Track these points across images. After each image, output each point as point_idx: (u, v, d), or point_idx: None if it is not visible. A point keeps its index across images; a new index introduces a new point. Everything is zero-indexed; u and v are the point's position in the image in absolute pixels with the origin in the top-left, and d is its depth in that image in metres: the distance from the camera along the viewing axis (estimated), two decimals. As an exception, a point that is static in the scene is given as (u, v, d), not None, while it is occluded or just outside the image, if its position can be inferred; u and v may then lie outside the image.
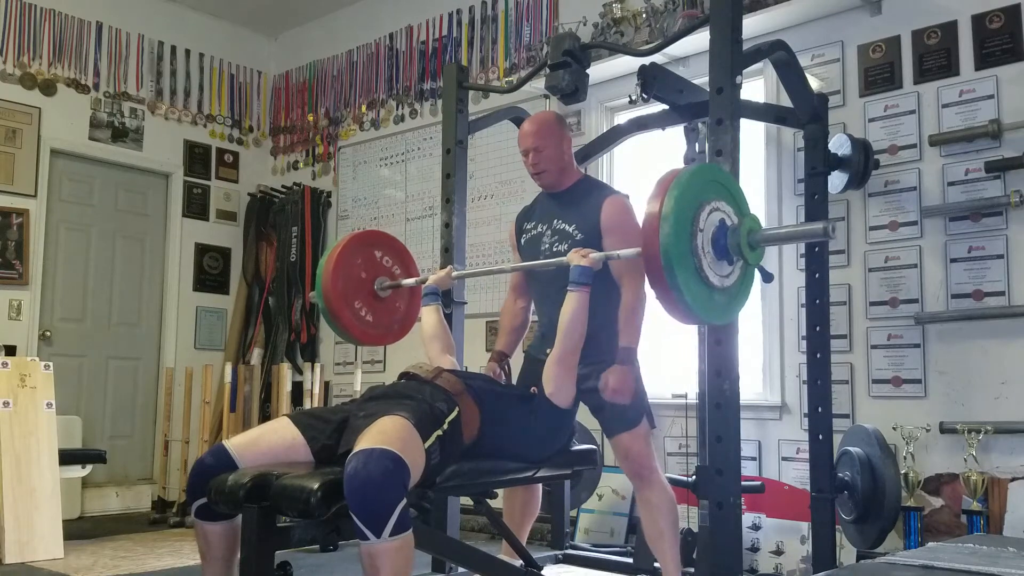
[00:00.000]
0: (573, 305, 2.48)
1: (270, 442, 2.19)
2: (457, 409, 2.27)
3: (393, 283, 3.11)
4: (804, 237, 2.76)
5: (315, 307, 3.27)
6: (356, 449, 1.96)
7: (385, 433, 2.01)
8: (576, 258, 2.51)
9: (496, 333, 3.21)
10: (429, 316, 2.89)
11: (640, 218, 2.17)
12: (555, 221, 2.88)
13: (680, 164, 3.35)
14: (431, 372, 2.42)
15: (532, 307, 3.09)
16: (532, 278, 2.97)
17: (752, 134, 3.88)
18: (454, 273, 3.04)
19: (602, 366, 2.68)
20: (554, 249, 2.84)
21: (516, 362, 3.04)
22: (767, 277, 2.43)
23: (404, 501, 1.91)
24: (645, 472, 2.73)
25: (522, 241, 3.01)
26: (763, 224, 3.89)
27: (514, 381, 2.97)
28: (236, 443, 2.17)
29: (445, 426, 2.20)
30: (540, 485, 3.09)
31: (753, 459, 3.83)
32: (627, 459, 2.74)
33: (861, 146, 3.50)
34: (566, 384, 2.51)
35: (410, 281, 3.12)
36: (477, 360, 4.49)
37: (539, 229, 2.93)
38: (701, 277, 2.12)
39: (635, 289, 2.69)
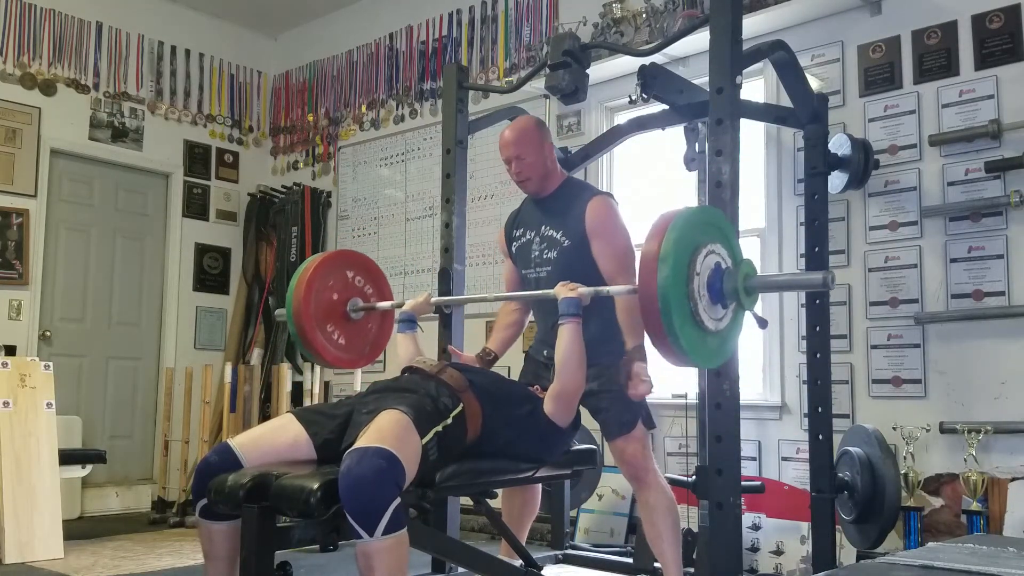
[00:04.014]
0: (566, 338, 2.41)
1: (274, 440, 2.20)
2: (461, 406, 2.27)
3: (367, 305, 2.98)
4: (801, 286, 2.69)
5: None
6: (352, 447, 1.96)
7: (381, 431, 2.01)
8: (563, 291, 2.44)
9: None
10: (406, 346, 2.79)
11: (638, 259, 2.12)
12: (543, 228, 2.89)
13: (680, 164, 3.35)
14: (435, 367, 2.42)
15: (528, 309, 3.09)
16: (528, 285, 2.97)
17: (752, 134, 3.88)
18: (432, 299, 2.91)
19: (599, 368, 2.68)
20: (544, 256, 2.86)
21: (510, 361, 3.03)
22: (762, 323, 2.33)
23: (398, 500, 1.91)
24: (642, 474, 2.73)
25: (513, 249, 3.02)
26: (763, 223, 3.97)
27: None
28: (240, 441, 2.18)
29: (448, 421, 2.21)
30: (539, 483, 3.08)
31: (753, 459, 3.83)
32: (623, 463, 2.75)
33: (861, 146, 3.50)
34: (566, 418, 2.49)
35: (385, 304, 2.99)
36: (477, 360, 4.49)
37: (528, 236, 2.94)
38: (696, 321, 2.05)
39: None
